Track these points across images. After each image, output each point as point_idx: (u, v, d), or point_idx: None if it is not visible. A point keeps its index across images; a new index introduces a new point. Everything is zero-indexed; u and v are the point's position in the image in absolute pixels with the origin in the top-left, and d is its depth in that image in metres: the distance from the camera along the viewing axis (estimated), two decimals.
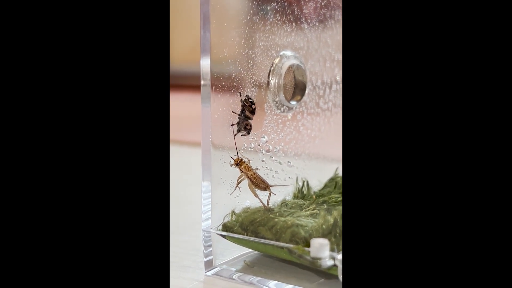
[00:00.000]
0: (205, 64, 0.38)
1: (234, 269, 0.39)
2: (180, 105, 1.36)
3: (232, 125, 0.39)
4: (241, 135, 0.39)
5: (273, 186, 0.39)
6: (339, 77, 0.45)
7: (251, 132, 0.39)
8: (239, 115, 0.39)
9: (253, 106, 0.39)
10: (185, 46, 1.69)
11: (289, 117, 0.42)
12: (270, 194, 0.39)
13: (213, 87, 0.38)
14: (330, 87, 0.45)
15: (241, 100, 0.39)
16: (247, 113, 0.39)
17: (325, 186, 0.44)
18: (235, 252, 0.41)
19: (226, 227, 0.39)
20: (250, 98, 0.39)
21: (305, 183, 0.43)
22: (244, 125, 0.39)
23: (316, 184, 0.44)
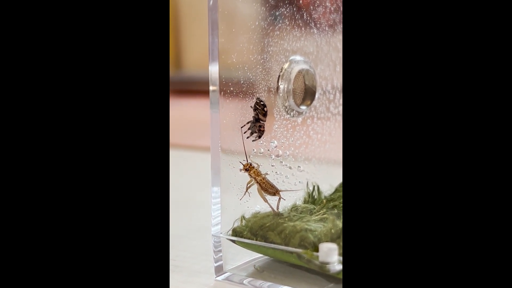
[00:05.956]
0: (214, 69, 0.38)
1: (245, 274, 0.39)
2: (194, 111, 1.37)
3: (242, 127, 0.39)
4: (252, 140, 0.39)
5: (282, 191, 0.39)
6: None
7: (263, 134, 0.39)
8: (251, 120, 0.39)
9: (265, 109, 0.39)
10: (198, 52, 1.70)
11: (299, 121, 0.42)
12: (279, 199, 0.39)
13: (222, 93, 0.38)
14: (341, 92, 0.45)
15: (251, 107, 0.39)
16: (260, 117, 0.39)
17: (336, 190, 0.44)
18: (245, 257, 0.41)
19: (235, 232, 0.39)
20: (261, 101, 0.39)
21: (316, 188, 0.43)
22: (257, 127, 0.39)
23: (327, 189, 0.44)
